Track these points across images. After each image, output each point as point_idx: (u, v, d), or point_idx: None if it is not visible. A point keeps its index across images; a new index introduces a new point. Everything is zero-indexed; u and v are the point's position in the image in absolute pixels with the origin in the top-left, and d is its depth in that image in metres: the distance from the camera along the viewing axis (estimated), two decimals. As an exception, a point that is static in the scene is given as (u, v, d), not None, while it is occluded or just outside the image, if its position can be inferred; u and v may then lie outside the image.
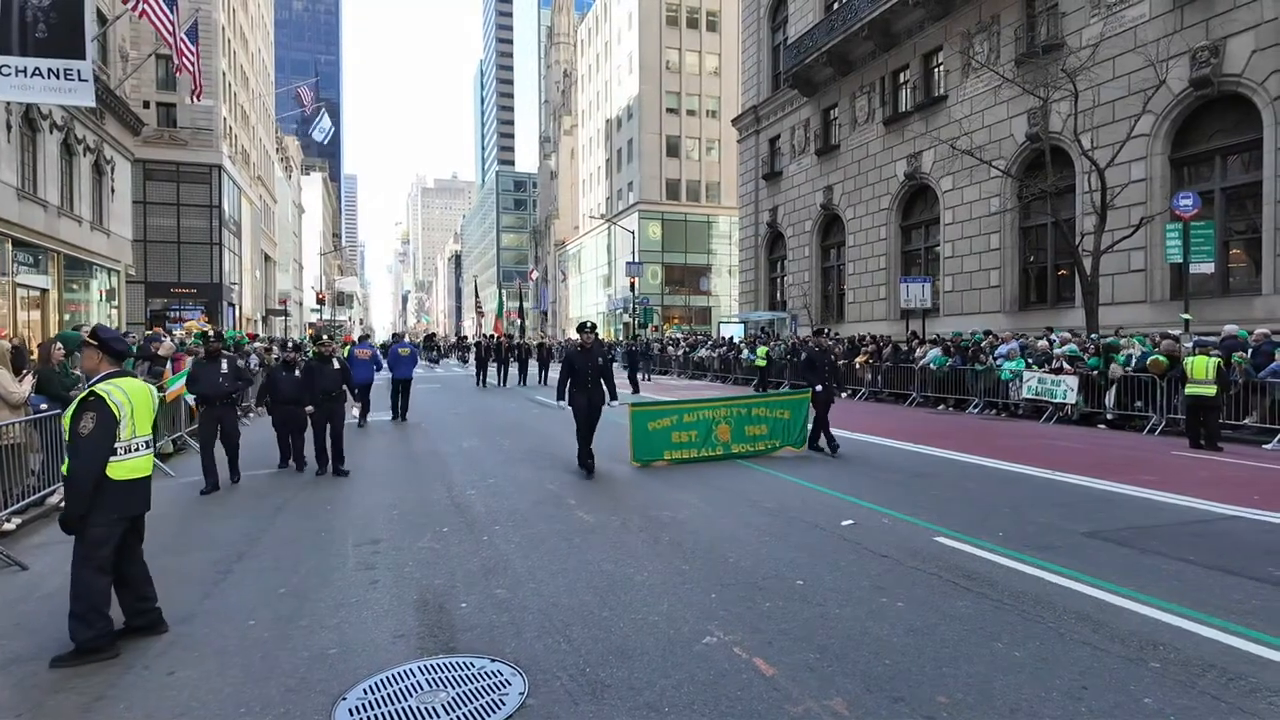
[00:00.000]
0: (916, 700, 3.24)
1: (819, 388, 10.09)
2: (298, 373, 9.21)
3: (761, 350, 22.72)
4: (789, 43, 31.42)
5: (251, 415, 9.99)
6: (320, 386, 8.78)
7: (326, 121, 50.99)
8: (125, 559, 4.02)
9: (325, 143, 54.25)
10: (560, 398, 8.47)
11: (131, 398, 3.97)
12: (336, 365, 9.09)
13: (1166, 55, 16.33)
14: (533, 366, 27.58)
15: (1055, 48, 19.10)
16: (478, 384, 24.50)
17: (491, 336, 27.38)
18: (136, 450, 3.95)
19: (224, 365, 8.29)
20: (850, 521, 6.29)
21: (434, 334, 53.69)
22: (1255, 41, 15.21)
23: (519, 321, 63.84)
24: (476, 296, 59.36)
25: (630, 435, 9.16)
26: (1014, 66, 20.29)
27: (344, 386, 9.12)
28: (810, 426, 10.03)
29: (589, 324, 8.82)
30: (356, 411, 8.47)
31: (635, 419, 9.21)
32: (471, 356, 36.52)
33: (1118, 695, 3.27)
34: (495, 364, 25.18)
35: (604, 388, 8.57)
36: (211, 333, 8.96)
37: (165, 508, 6.50)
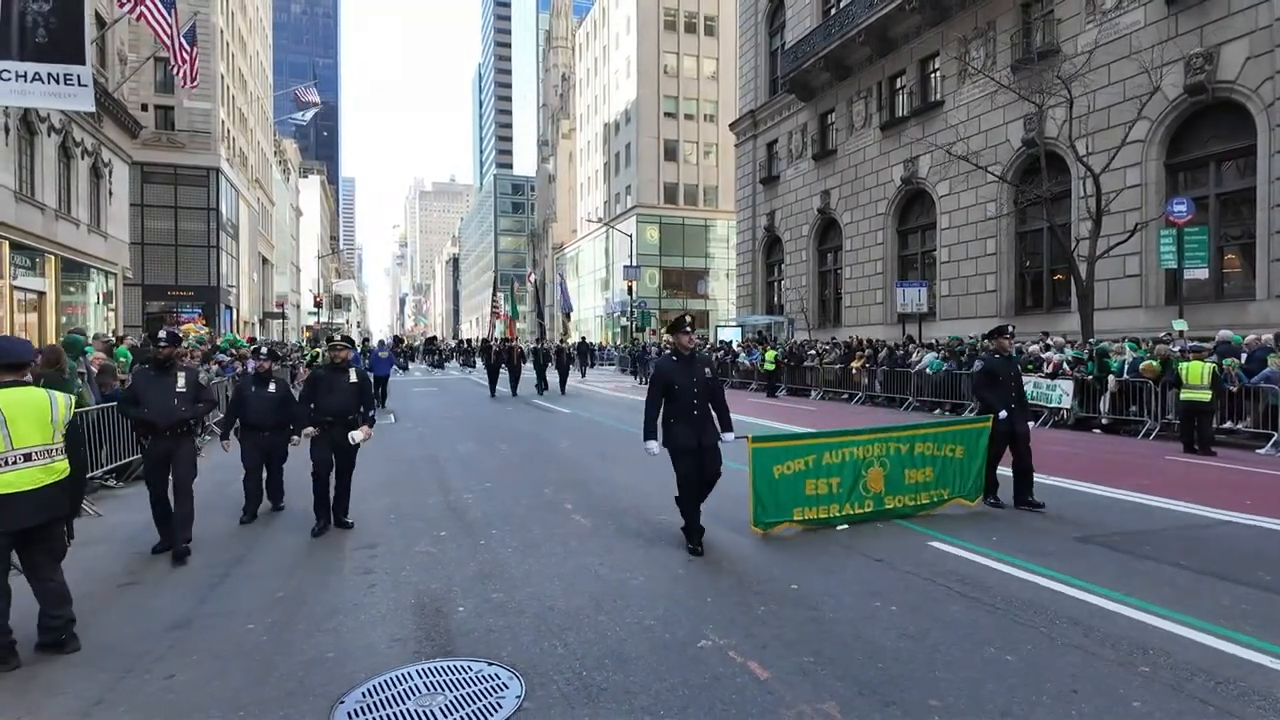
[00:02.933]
0: (908, 704, 3.28)
1: (1003, 413, 7.08)
2: (272, 388, 7.10)
3: (770, 354, 22.74)
4: (786, 48, 31.53)
5: (294, 440, 7.00)
6: (330, 407, 6.43)
7: (311, 101, 51.35)
8: (32, 575, 3.94)
9: (305, 121, 54.47)
10: (650, 436, 5.63)
11: (4, 409, 3.75)
12: (353, 378, 6.62)
13: (1161, 62, 16.43)
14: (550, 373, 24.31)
15: (1051, 54, 19.21)
16: (491, 393, 21.84)
17: (505, 340, 24.87)
18: (14, 464, 3.74)
19: (180, 380, 5.89)
20: (844, 526, 6.32)
21: (435, 337, 53.41)
22: (1249, 48, 15.32)
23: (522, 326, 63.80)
24: (494, 296, 58.86)
25: (751, 485, 6.08)
26: (1010, 73, 20.40)
27: (361, 408, 6.59)
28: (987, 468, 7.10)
29: (687, 319, 5.99)
30: (358, 436, 6.42)
31: (758, 460, 6.14)
32: (479, 361, 34.55)
33: (1107, 699, 3.31)
34: (508, 370, 22.53)
35: (714, 418, 5.79)
36: (163, 333, 6.15)
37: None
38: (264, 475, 7.09)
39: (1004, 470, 7.27)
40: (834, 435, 6.80)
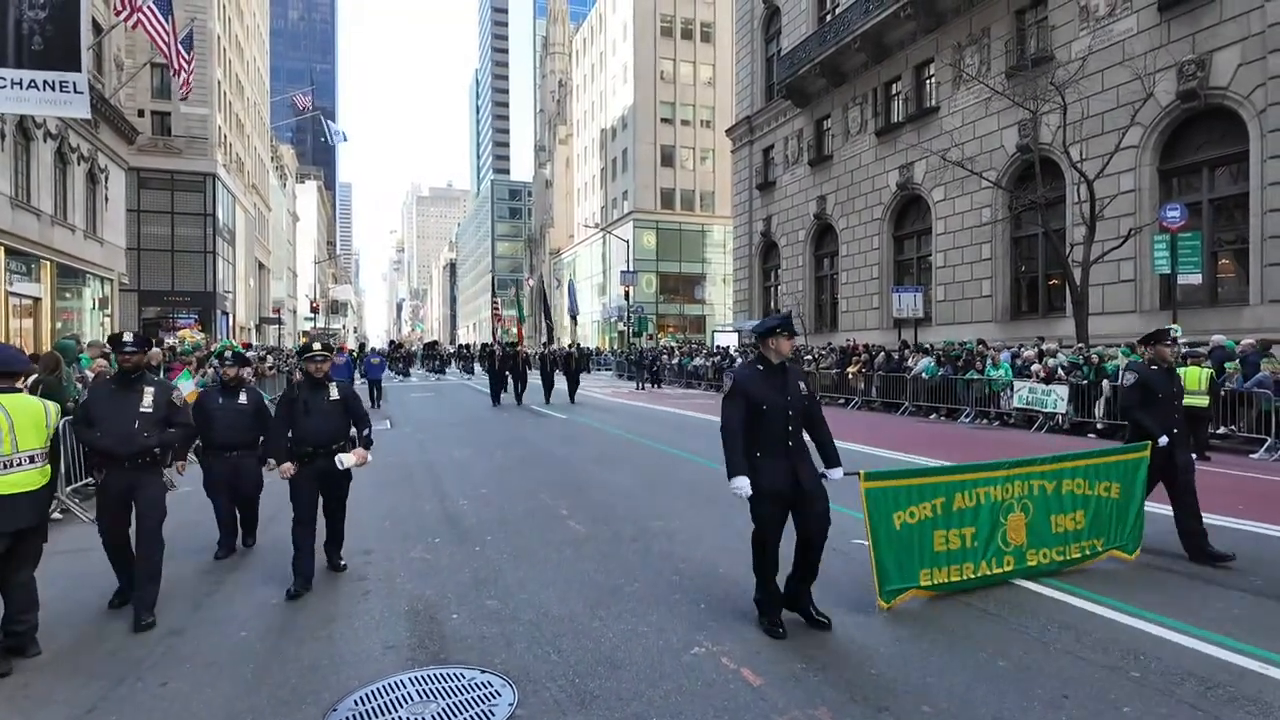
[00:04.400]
0: (900, 709, 3.29)
1: (1163, 439, 5.59)
2: (243, 399, 6.02)
3: None
4: (782, 54, 31.66)
5: (269, 465, 5.53)
6: (310, 435, 5.17)
7: (326, 125, 51.39)
8: (9, 577, 3.98)
9: (339, 141, 54.35)
10: (739, 470, 4.12)
11: (11, 413, 3.92)
12: (335, 394, 5.33)
13: (1154, 68, 16.53)
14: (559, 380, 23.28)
15: (1045, 60, 19.31)
16: (494, 402, 20.50)
17: (510, 345, 23.81)
18: (18, 465, 3.89)
19: (146, 397, 4.63)
20: (860, 541, 6.33)
21: (435, 342, 53.12)
22: (1241, 55, 15.42)
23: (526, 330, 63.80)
24: (494, 298, 58.66)
25: (870, 540, 4.59)
26: (1004, 79, 20.50)
27: (351, 430, 5.43)
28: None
29: (785, 315, 4.94)
30: (348, 460, 5.24)
31: (875, 505, 4.62)
32: (478, 366, 33.18)
33: (1098, 704, 3.33)
34: (512, 377, 21.10)
35: (806, 444, 4.31)
36: (129, 336, 4.78)
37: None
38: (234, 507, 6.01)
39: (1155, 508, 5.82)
40: (965, 470, 5.10)
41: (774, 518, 4.21)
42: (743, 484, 4.10)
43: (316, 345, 5.65)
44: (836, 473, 4.35)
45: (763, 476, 4.13)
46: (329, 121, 51.10)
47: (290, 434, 5.22)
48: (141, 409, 4.58)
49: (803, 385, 4.37)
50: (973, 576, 4.85)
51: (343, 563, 5.55)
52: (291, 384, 5.74)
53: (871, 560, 4.57)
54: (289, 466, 5.11)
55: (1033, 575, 5.04)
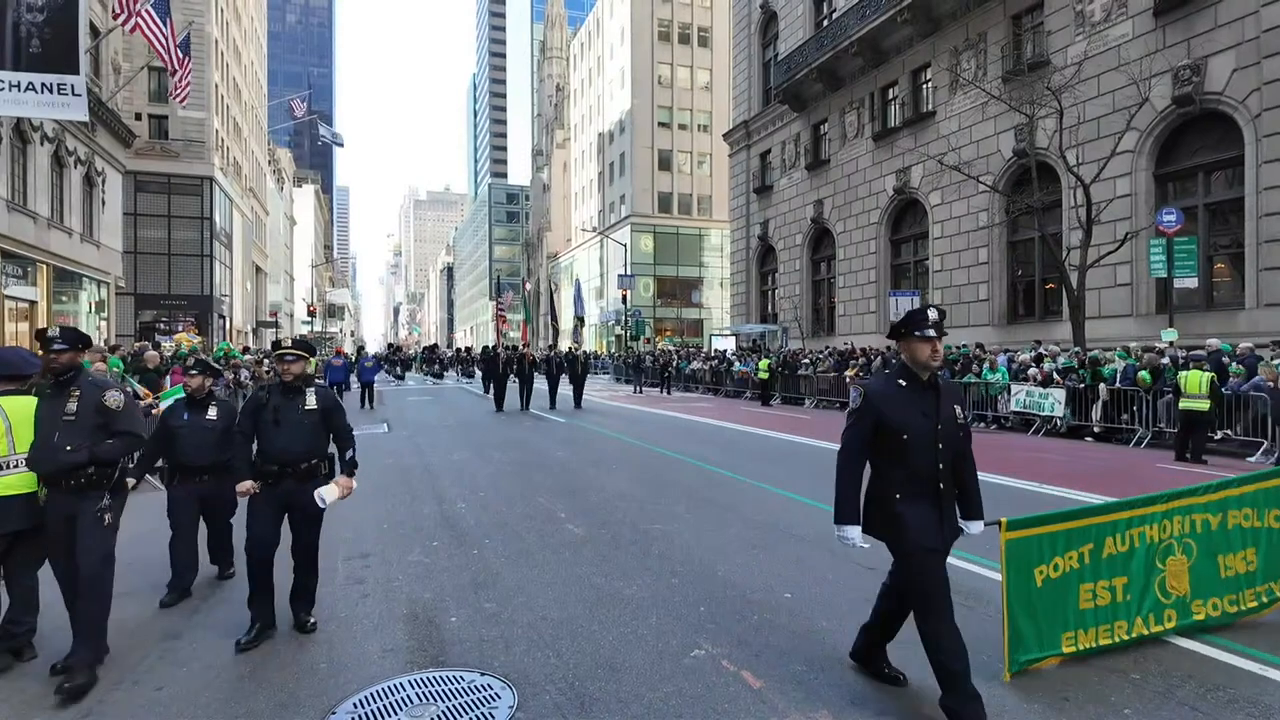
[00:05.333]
0: (901, 713, 3.29)
1: None
2: (212, 414, 5.19)
3: (764, 363, 22.76)
4: (779, 58, 31.76)
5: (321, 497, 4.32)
6: (276, 450, 4.26)
7: (322, 129, 51.41)
8: (10, 580, 3.97)
9: (336, 145, 54.36)
10: (850, 518, 3.34)
11: (10, 415, 3.89)
12: (311, 403, 4.36)
13: (1149, 73, 16.61)
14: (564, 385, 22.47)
15: (1041, 65, 19.40)
16: (497, 408, 19.41)
17: (514, 348, 22.83)
18: (15, 467, 3.86)
19: (70, 402, 3.86)
20: (867, 545, 6.32)
21: (435, 345, 52.99)
22: (1235, 60, 15.50)
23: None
24: (498, 299, 58.31)
25: (1004, 602, 3.71)
26: (1001, 83, 20.58)
27: (330, 447, 4.52)
28: None
29: (927, 307, 3.48)
30: (329, 496, 4.27)
31: (1014, 557, 3.76)
32: (478, 371, 30.61)
33: (1099, 706, 3.33)
34: (519, 382, 20.18)
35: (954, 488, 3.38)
36: (54, 332, 3.95)
37: None
38: (200, 533, 5.21)
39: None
40: (1118, 509, 4.15)
41: (936, 575, 3.17)
42: (853, 534, 3.29)
43: (288, 341, 4.61)
44: (976, 526, 3.42)
45: (912, 523, 3.17)
46: (326, 125, 51.08)
47: (255, 449, 4.31)
48: (64, 415, 3.81)
49: (959, 410, 3.35)
50: (1125, 637, 3.96)
51: (311, 621, 4.33)
52: (259, 388, 4.72)
53: (1004, 626, 3.68)
54: (249, 485, 4.21)
55: (1195, 632, 4.15)
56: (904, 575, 3.32)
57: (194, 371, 5.38)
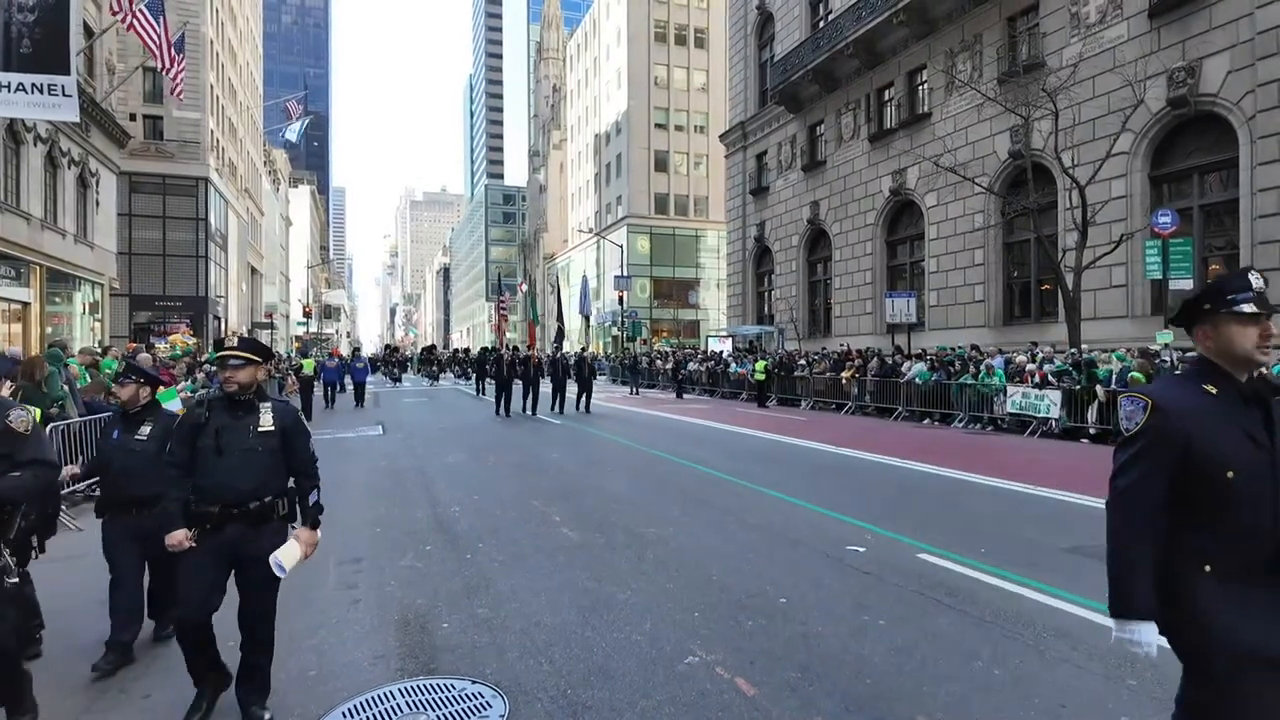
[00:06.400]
0: (896, 719, 3.26)
1: None
2: (145, 431, 4.09)
3: (761, 364, 22.74)
4: (775, 60, 31.78)
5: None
6: (215, 485, 3.21)
7: (297, 124, 51.17)
8: None
9: (298, 142, 54.12)
10: (1131, 606, 2.05)
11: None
12: (268, 423, 3.32)
13: (1145, 75, 16.63)
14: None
15: (1036, 67, 19.42)
16: (497, 411, 18.51)
17: (515, 349, 22.06)
18: None
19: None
20: (862, 549, 6.30)
21: (433, 347, 52.80)
22: (1230, 63, 15.53)
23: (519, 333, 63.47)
24: (500, 297, 58.18)
25: None
26: (996, 85, 20.61)
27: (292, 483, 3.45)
28: None
29: (1257, 275, 2.00)
30: (289, 560, 3.19)
31: None
32: (474, 373, 28.86)
33: (1096, 713, 3.30)
34: (523, 385, 19.17)
35: None
36: None
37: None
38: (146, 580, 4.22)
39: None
40: None
41: (1273, 712, 1.88)
42: (1147, 636, 2.03)
43: (235, 339, 3.54)
44: None
45: (1243, 622, 1.90)
46: (298, 120, 50.69)
47: (192, 482, 3.26)
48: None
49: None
50: None
51: (267, 716, 3.26)
52: (196, 403, 3.50)
53: None
54: (181, 535, 3.17)
55: None
56: (1206, 703, 1.96)
57: (126, 379, 4.23)
